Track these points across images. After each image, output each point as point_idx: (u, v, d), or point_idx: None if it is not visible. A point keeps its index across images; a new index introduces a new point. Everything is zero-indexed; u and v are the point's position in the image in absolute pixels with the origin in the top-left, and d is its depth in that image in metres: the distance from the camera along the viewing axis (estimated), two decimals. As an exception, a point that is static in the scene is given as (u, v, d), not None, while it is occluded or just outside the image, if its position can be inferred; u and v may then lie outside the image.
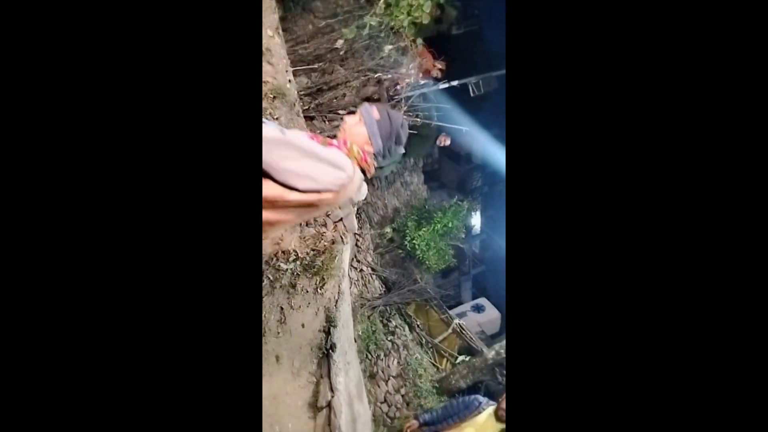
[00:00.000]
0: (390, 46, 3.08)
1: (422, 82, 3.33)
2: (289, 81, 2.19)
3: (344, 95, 3.04)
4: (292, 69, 2.32)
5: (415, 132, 3.74)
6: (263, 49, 1.99)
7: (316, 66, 2.76)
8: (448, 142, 3.96)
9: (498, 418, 1.86)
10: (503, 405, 1.84)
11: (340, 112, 2.95)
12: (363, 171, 0.98)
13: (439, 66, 3.32)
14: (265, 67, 2.02)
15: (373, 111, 0.99)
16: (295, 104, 2.21)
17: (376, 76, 3.03)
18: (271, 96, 2.00)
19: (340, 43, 2.85)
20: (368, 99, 3.00)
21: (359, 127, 0.98)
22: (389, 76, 3.14)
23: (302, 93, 2.73)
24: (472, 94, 4.54)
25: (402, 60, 3.09)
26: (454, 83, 4.27)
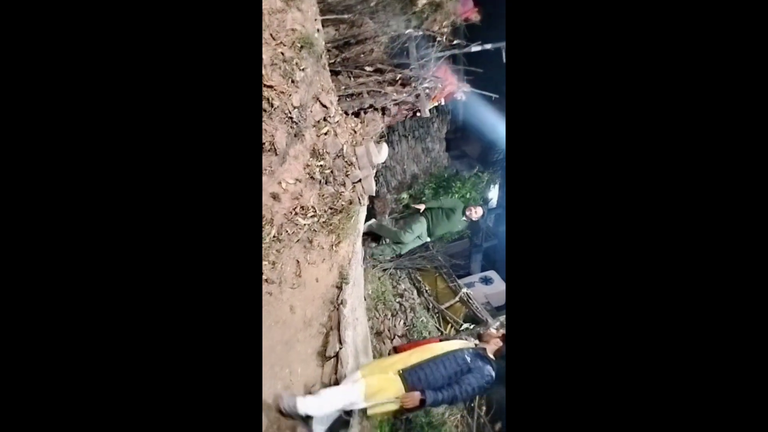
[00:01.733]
0: (424, 0, 2.90)
1: (444, 104, 3.09)
2: (317, 30, 2.10)
3: (372, 51, 2.91)
4: (321, 18, 2.22)
5: (438, 206, 3.50)
6: (293, -7, 1.90)
7: (345, 17, 2.62)
8: (479, 214, 3.48)
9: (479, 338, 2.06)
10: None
11: (367, 68, 2.84)
12: None
13: (464, 88, 3.12)
14: (294, 14, 1.94)
15: None
16: (321, 56, 2.13)
17: (406, 32, 2.87)
18: (299, 45, 1.92)
19: (372, -7, 2.69)
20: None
21: None
22: (420, 33, 2.97)
23: (329, 45, 2.63)
24: (504, 60, 4.29)
25: (436, 16, 2.91)
26: (488, 47, 4.03)
